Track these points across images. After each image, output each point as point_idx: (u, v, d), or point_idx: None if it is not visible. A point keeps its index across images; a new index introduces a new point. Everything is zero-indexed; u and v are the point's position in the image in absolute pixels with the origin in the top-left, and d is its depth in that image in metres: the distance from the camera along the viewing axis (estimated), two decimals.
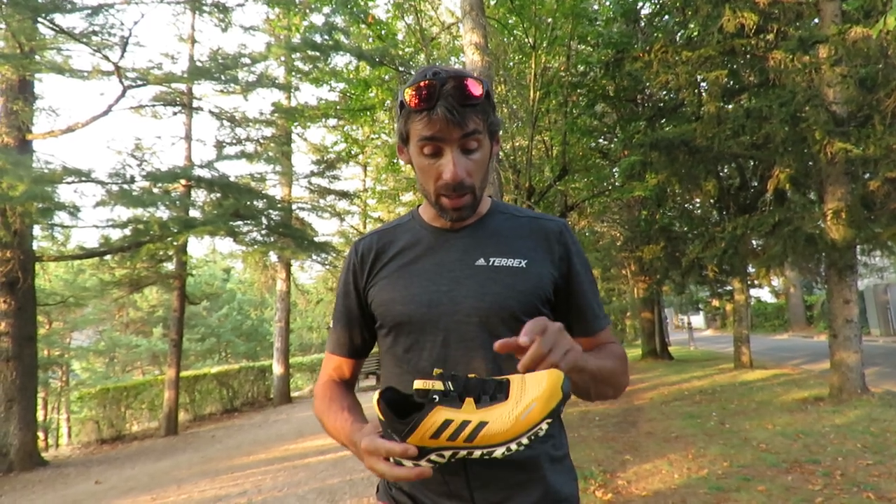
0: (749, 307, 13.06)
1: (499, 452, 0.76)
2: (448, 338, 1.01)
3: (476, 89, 0.96)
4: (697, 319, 43.35)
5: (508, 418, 0.75)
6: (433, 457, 0.78)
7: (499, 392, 0.78)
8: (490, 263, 1.04)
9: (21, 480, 7.86)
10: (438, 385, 0.77)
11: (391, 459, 0.80)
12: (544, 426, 0.75)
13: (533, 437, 0.75)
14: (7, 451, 8.32)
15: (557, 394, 0.75)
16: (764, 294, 32.84)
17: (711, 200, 11.66)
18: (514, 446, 0.75)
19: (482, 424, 0.75)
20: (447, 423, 0.76)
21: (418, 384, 0.78)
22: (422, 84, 0.95)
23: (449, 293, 1.02)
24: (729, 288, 14.24)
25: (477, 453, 0.77)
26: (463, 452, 0.78)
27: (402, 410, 0.80)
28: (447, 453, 0.78)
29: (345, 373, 1.18)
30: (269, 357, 19.70)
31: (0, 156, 7.83)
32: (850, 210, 6.96)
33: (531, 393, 0.75)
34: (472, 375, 0.80)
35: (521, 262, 1.04)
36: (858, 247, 7.85)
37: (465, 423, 0.76)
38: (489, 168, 1.06)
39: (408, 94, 0.96)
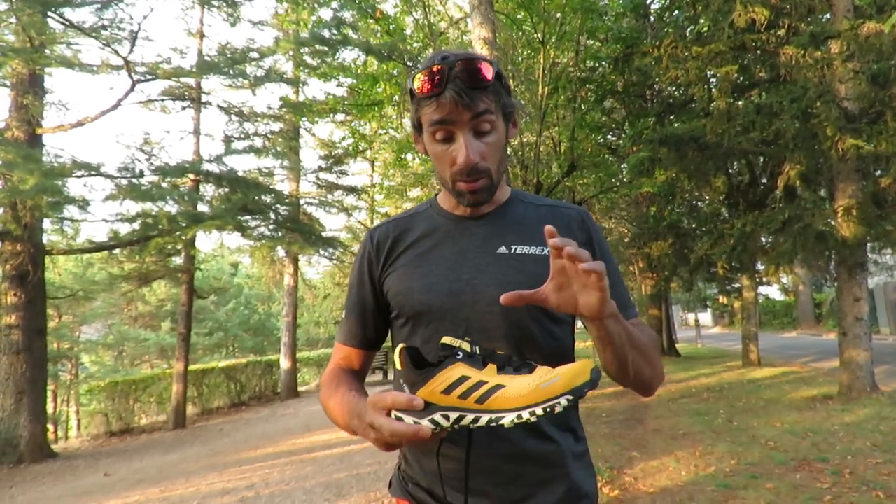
0: (757, 305, 13.00)
1: (508, 420, 0.72)
2: (469, 328, 0.98)
3: (486, 71, 0.94)
4: (705, 317, 43.15)
5: (528, 385, 0.72)
6: (437, 416, 0.75)
7: (524, 368, 0.76)
8: (512, 251, 1.01)
9: (31, 472, 7.93)
10: (465, 345, 0.77)
11: (392, 415, 0.78)
12: (563, 402, 0.71)
13: (548, 410, 0.71)
14: (17, 442, 8.40)
15: (584, 374, 0.72)
16: (772, 292, 32.63)
17: (721, 197, 11.60)
18: (525, 415, 0.71)
19: (498, 387, 0.73)
20: (463, 379, 0.74)
21: (446, 340, 0.78)
22: (431, 69, 0.93)
23: (470, 281, 1.00)
24: (737, 285, 14.18)
25: (484, 419, 0.74)
26: (469, 417, 0.74)
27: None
28: (452, 416, 0.75)
29: (354, 363, 1.13)
30: (277, 352, 19.77)
31: (11, 149, 7.88)
32: (860, 207, 6.90)
33: (557, 371, 0.73)
34: (500, 352, 0.79)
35: (543, 250, 1.01)
36: (869, 244, 7.79)
37: (480, 383, 0.74)
38: (505, 151, 1.04)
39: (417, 82, 0.95)
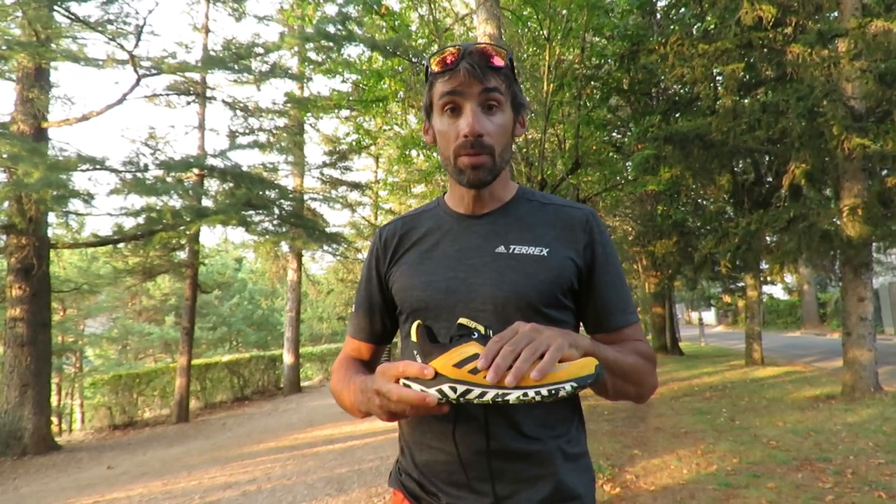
0: (761, 304, 12.97)
1: (514, 397, 0.74)
2: None
3: (498, 58, 0.98)
4: (709, 315, 43.12)
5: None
6: (445, 388, 0.78)
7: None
8: (510, 251, 1.02)
9: (35, 464, 7.98)
10: (481, 328, 0.82)
11: (401, 383, 0.81)
12: (568, 388, 0.74)
13: (553, 392, 0.73)
14: (21, 435, 8.45)
15: (589, 368, 0.76)
16: (777, 291, 32.59)
17: (725, 195, 11.56)
18: (531, 393, 0.74)
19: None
20: (476, 356, 0.77)
21: (463, 320, 0.83)
22: (446, 51, 0.98)
23: (466, 280, 1.01)
24: (741, 284, 14.16)
25: (490, 395, 0.76)
26: (476, 391, 0.76)
27: None
28: (460, 388, 0.77)
29: (363, 355, 1.18)
30: (280, 346, 19.84)
31: (16, 143, 7.90)
32: (866, 206, 6.88)
33: (564, 363, 0.77)
34: None
35: (542, 251, 1.01)
36: (874, 244, 7.75)
37: None
38: (511, 140, 1.06)
39: (433, 61, 0.99)
